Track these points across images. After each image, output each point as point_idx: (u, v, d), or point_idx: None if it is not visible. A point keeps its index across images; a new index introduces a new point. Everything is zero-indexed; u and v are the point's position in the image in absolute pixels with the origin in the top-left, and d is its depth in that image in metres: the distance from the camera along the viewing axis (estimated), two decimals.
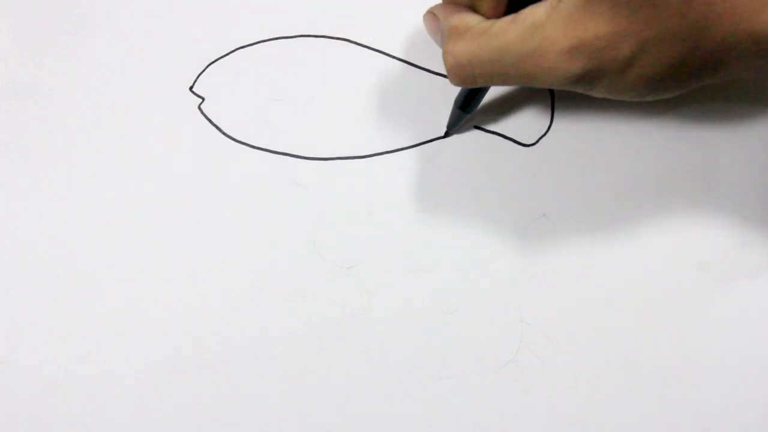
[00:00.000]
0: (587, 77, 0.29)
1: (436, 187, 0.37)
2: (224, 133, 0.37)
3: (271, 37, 0.38)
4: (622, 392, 0.36)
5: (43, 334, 0.36)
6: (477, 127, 0.37)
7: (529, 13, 0.29)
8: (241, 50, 0.38)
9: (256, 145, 0.37)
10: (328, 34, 0.38)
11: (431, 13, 0.33)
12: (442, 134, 0.37)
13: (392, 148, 0.37)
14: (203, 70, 0.38)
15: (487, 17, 0.31)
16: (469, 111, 0.36)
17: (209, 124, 0.37)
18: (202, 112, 0.38)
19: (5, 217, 0.37)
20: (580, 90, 0.31)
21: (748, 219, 0.36)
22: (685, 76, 0.30)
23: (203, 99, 0.38)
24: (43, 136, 0.37)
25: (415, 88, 0.38)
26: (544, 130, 0.37)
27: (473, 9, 0.32)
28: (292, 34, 0.38)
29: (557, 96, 0.38)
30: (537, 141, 0.37)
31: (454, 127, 0.37)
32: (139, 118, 0.37)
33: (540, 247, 0.36)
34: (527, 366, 0.36)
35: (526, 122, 0.37)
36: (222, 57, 0.38)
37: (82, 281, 0.36)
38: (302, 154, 0.37)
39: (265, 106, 0.37)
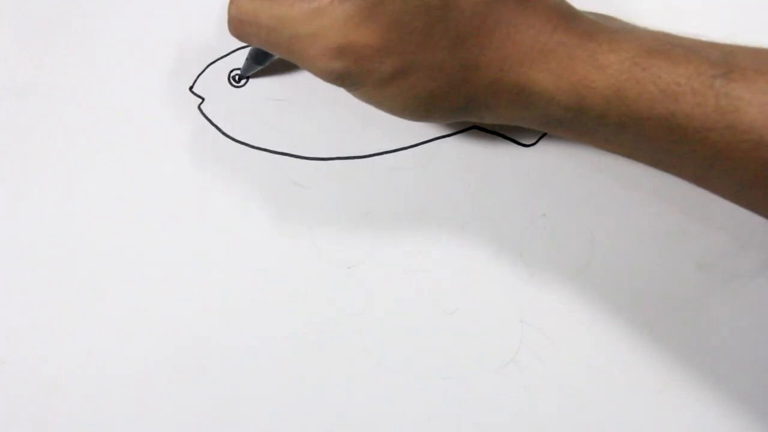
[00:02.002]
0: (346, 79, 0.30)
1: (436, 187, 0.37)
2: (224, 133, 0.37)
3: None
4: (622, 392, 0.36)
5: (43, 334, 0.36)
6: (477, 127, 0.37)
7: None
8: (241, 50, 0.38)
9: (256, 145, 0.37)
10: None
11: None
12: (238, 81, 0.37)
13: (392, 148, 0.37)
14: (203, 70, 0.38)
15: None
16: (261, 63, 0.36)
17: (209, 124, 0.37)
18: (202, 112, 0.38)
19: (5, 217, 0.37)
20: (340, 86, 0.31)
21: (748, 219, 0.36)
22: (447, 110, 0.31)
23: (203, 99, 0.38)
24: (43, 136, 0.37)
25: None
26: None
27: None
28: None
29: None
30: (537, 141, 0.37)
31: (247, 73, 0.37)
32: (139, 118, 0.37)
33: (540, 247, 0.36)
34: (527, 366, 0.36)
35: None
36: (222, 57, 0.38)
37: (82, 281, 0.36)
38: (302, 154, 0.37)
39: (265, 106, 0.37)
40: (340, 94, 0.37)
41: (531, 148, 0.37)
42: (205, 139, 0.37)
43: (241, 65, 0.37)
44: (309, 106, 0.37)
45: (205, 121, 0.37)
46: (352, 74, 0.30)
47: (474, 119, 0.32)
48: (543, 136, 0.37)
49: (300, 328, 0.36)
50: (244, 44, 0.38)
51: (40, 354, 0.36)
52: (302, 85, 0.38)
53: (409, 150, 0.37)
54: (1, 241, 0.37)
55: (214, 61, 0.38)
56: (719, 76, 0.27)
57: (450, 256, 0.36)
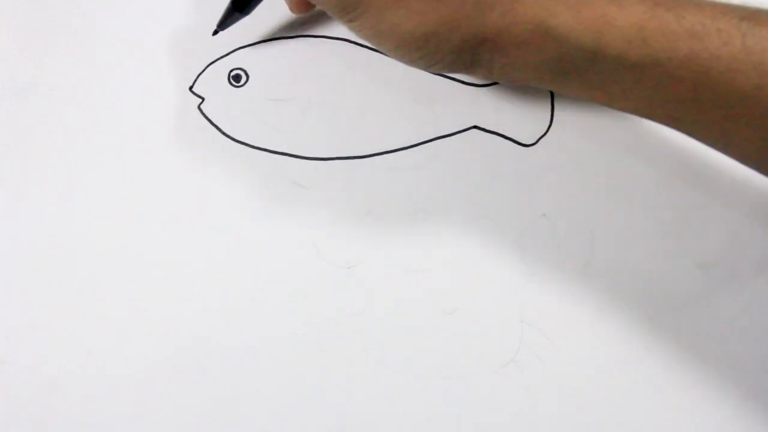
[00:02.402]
0: (349, 6, 0.29)
1: (436, 187, 0.37)
2: (224, 133, 0.37)
3: (271, 37, 0.38)
4: (622, 392, 0.36)
5: (43, 334, 0.36)
6: (477, 127, 0.37)
7: None
8: (241, 50, 0.38)
9: (256, 145, 0.37)
10: (328, 35, 0.38)
11: None
12: (215, 33, 0.37)
13: (392, 148, 0.37)
14: (203, 70, 0.38)
15: None
16: (244, 12, 0.35)
17: (209, 124, 0.37)
18: (202, 112, 0.38)
19: (5, 217, 0.37)
20: (341, 19, 0.30)
21: (748, 219, 0.36)
22: (454, 46, 0.29)
23: (203, 99, 0.38)
24: (43, 136, 0.37)
25: (415, 88, 0.38)
26: (544, 130, 0.37)
27: None
28: (292, 35, 0.38)
29: (557, 96, 0.37)
30: (537, 141, 0.37)
31: (223, 26, 0.36)
32: (139, 118, 0.37)
33: (540, 247, 0.36)
34: (527, 366, 0.36)
35: (526, 122, 0.37)
36: (222, 57, 0.38)
37: (82, 281, 0.36)
38: (302, 154, 0.37)
39: (265, 106, 0.37)
40: (340, 94, 0.37)
41: (531, 148, 0.37)
42: (205, 139, 0.37)
43: (240, 65, 0.37)
44: (309, 106, 0.37)
45: (205, 121, 0.37)
46: (356, 1, 0.29)
47: (481, 68, 0.30)
48: (543, 136, 0.37)
49: (300, 328, 0.36)
50: (243, 44, 0.38)
51: (40, 354, 0.36)
52: (302, 85, 0.38)
53: (409, 150, 0.37)
54: (1, 241, 0.37)
55: (214, 61, 0.38)
56: (746, 18, 0.26)
57: (450, 256, 0.36)
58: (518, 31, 0.29)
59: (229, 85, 0.38)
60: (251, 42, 0.38)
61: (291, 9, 0.35)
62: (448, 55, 0.30)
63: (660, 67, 0.28)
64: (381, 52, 0.38)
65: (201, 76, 0.38)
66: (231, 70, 0.38)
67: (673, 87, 0.28)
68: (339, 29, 0.38)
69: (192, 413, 0.36)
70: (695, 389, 0.36)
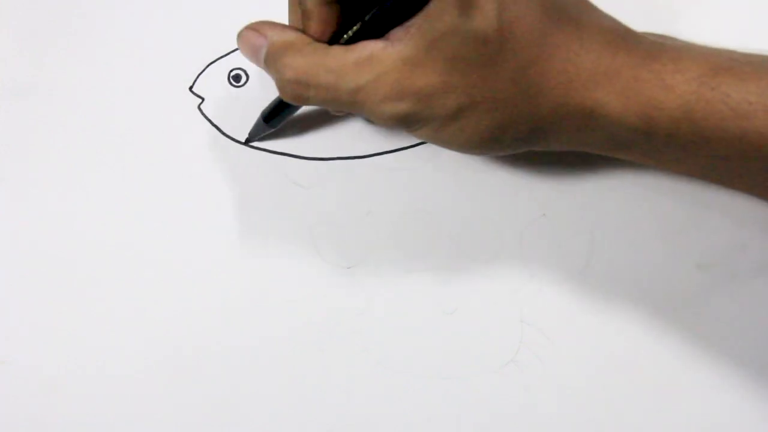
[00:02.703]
0: (411, 120, 0.30)
1: (436, 187, 0.37)
2: (224, 133, 0.37)
3: None
4: (622, 392, 0.36)
5: (42, 334, 0.36)
6: None
7: (365, 46, 0.29)
8: None
9: (256, 145, 0.37)
10: None
11: (252, 30, 0.32)
12: (246, 143, 0.37)
13: (392, 148, 0.37)
14: (203, 70, 0.38)
15: (314, 39, 0.30)
16: (273, 125, 0.36)
17: (209, 124, 0.37)
18: (202, 112, 0.38)
19: (5, 217, 0.37)
20: (403, 130, 0.31)
21: (748, 219, 0.36)
22: (513, 140, 0.31)
23: (203, 99, 0.38)
24: (43, 136, 0.37)
25: None
26: None
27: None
28: None
29: None
30: None
31: (255, 137, 0.37)
32: (139, 118, 0.37)
33: (540, 247, 0.36)
34: (527, 366, 0.36)
35: None
36: (222, 57, 0.38)
37: (82, 281, 0.36)
38: (302, 154, 0.37)
39: (265, 106, 0.37)
40: None
41: None
42: (205, 139, 0.37)
43: (240, 65, 0.37)
44: (309, 107, 0.37)
45: (205, 121, 0.37)
46: (416, 114, 0.29)
47: (538, 147, 0.32)
48: None
49: (300, 328, 0.36)
50: None
51: (40, 354, 0.36)
52: None
53: (409, 150, 0.37)
54: (1, 241, 0.37)
55: (214, 61, 0.38)
56: None
57: (450, 256, 0.36)
58: (570, 119, 0.30)
59: (229, 85, 0.38)
60: None
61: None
62: (505, 149, 0.32)
63: (709, 144, 0.29)
64: None
65: (201, 76, 0.38)
66: (231, 70, 0.38)
67: (724, 161, 0.29)
68: None
69: (192, 413, 0.36)
70: (695, 389, 0.36)
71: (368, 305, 0.36)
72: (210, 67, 0.38)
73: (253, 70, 0.38)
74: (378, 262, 0.36)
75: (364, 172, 0.37)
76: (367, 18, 0.29)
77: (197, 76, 0.38)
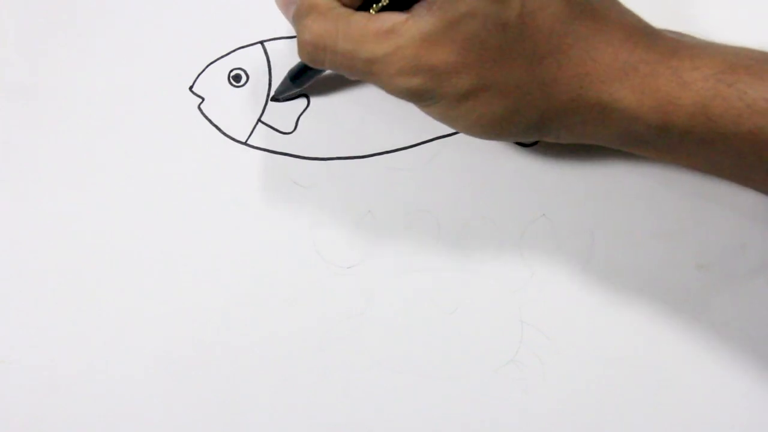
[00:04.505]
0: (423, 95, 0.30)
1: (436, 187, 0.37)
2: (224, 133, 0.37)
3: (271, 38, 0.38)
4: (622, 392, 0.36)
5: (43, 334, 0.36)
6: None
7: (388, 18, 0.29)
8: (241, 50, 0.38)
9: (256, 145, 0.37)
10: None
11: None
12: (274, 99, 0.37)
13: (392, 148, 0.37)
14: (203, 70, 0.38)
15: (343, 3, 0.31)
16: (298, 84, 0.36)
17: (209, 124, 0.37)
18: (202, 112, 0.38)
19: (5, 217, 0.37)
20: (415, 103, 0.31)
21: (748, 219, 0.36)
22: (522, 127, 0.31)
23: (203, 99, 0.38)
24: (43, 136, 0.37)
25: None
26: None
27: None
28: (292, 35, 0.38)
29: None
30: (537, 141, 0.37)
31: (280, 95, 0.37)
32: (139, 118, 0.37)
33: (540, 247, 0.36)
34: (527, 366, 0.36)
35: None
36: (222, 57, 0.38)
37: (83, 281, 0.36)
38: (302, 154, 0.37)
39: (265, 106, 0.37)
40: (340, 94, 0.37)
41: (531, 148, 0.37)
42: (205, 139, 0.37)
43: (240, 65, 0.37)
44: (309, 107, 0.37)
45: (205, 121, 0.37)
46: (429, 91, 0.29)
47: (549, 138, 0.32)
48: None
49: (300, 328, 0.36)
50: (243, 44, 0.38)
51: (40, 354, 0.36)
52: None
53: (409, 150, 0.37)
54: (1, 241, 0.37)
55: (214, 61, 0.38)
56: None
57: (450, 256, 0.36)
58: (584, 112, 0.30)
59: (229, 85, 0.38)
60: (251, 42, 0.38)
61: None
62: (513, 136, 0.32)
63: (726, 141, 0.29)
64: None
65: (201, 76, 0.38)
66: (231, 70, 0.38)
67: (739, 157, 0.29)
68: None
69: (192, 413, 0.36)
70: (694, 389, 0.36)
71: (368, 305, 0.36)
72: (210, 67, 0.38)
73: (253, 70, 0.38)
74: (378, 262, 0.36)
75: (364, 172, 0.37)
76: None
77: (197, 76, 0.38)
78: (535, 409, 0.36)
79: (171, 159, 0.37)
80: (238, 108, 0.37)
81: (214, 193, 0.37)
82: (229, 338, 0.36)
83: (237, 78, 0.38)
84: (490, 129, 0.31)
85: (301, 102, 0.37)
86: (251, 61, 0.38)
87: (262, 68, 0.38)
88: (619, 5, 0.31)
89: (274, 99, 0.37)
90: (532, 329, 0.36)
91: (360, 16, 0.30)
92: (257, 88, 0.38)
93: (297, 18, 0.31)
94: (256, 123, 0.37)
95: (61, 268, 0.37)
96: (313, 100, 0.37)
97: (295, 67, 0.35)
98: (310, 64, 0.31)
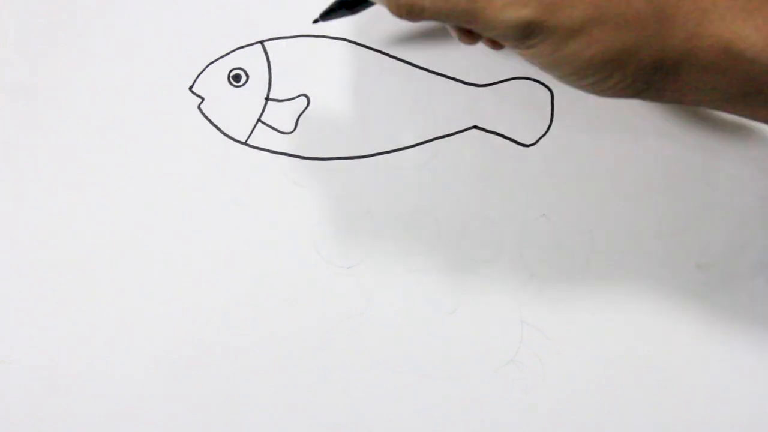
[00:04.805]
0: (532, 30, 0.27)
1: (436, 187, 0.37)
2: (224, 133, 0.37)
3: (271, 37, 0.38)
4: (622, 392, 0.36)
5: (43, 333, 0.36)
6: (477, 127, 0.37)
7: None
8: (241, 50, 0.38)
9: (257, 145, 0.37)
10: (328, 34, 0.38)
11: None
12: (317, 20, 0.34)
13: (392, 148, 0.37)
14: (203, 70, 0.38)
15: None
16: (355, 11, 0.33)
17: (209, 124, 0.37)
18: (202, 112, 0.38)
19: (5, 217, 0.37)
20: (520, 45, 0.28)
21: (747, 219, 0.36)
22: (635, 70, 0.28)
23: (203, 99, 0.38)
24: (44, 136, 0.37)
25: (415, 88, 0.38)
26: (544, 130, 0.37)
27: None
28: (292, 34, 0.38)
29: (557, 96, 0.37)
30: (537, 141, 0.37)
31: (327, 16, 0.34)
32: (139, 118, 0.37)
33: (540, 247, 0.36)
34: (527, 366, 0.36)
35: (526, 122, 0.37)
36: (222, 57, 0.38)
37: (83, 281, 0.36)
38: (302, 154, 0.37)
39: (265, 106, 0.37)
40: (340, 94, 0.37)
41: (531, 148, 0.37)
42: (205, 139, 0.37)
43: (240, 65, 0.37)
44: (309, 106, 0.37)
45: (205, 121, 0.37)
46: (540, 24, 0.27)
47: (654, 95, 0.29)
48: (543, 136, 0.37)
49: (300, 328, 0.36)
50: (243, 44, 0.38)
51: (40, 354, 0.36)
52: (302, 85, 0.38)
53: (409, 150, 0.37)
54: (1, 241, 0.37)
55: (214, 61, 0.38)
56: None
57: (450, 256, 0.36)
58: (703, 54, 0.28)
59: (229, 85, 0.38)
60: (251, 42, 0.38)
61: (461, 41, 0.33)
62: (621, 82, 0.29)
63: None
64: (381, 52, 0.38)
65: (201, 75, 0.38)
66: (231, 70, 0.38)
67: None
68: (339, 29, 0.38)
69: (192, 413, 0.36)
70: (694, 389, 0.36)
71: (368, 305, 0.36)
72: (210, 67, 0.38)
73: (253, 70, 0.38)
74: (378, 262, 0.36)
75: (364, 172, 0.37)
76: None
77: (197, 76, 0.38)
78: (535, 409, 0.36)
79: (171, 159, 0.37)
80: (238, 108, 0.37)
81: (214, 193, 0.37)
82: (229, 338, 0.36)
83: (237, 78, 0.38)
84: (601, 71, 0.28)
85: (301, 102, 0.37)
86: (251, 61, 0.38)
87: (262, 68, 0.38)
88: None
89: (318, 20, 0.34)
90: (532, 329, 0.36)
91: None
92: (257, 88, 0.38)
93: None
94: (256, 123, 0.37)
95: (61, 268, 0.37)
96: (313, 100, 0.37)
97: None
98: (408, 18, 0.29)
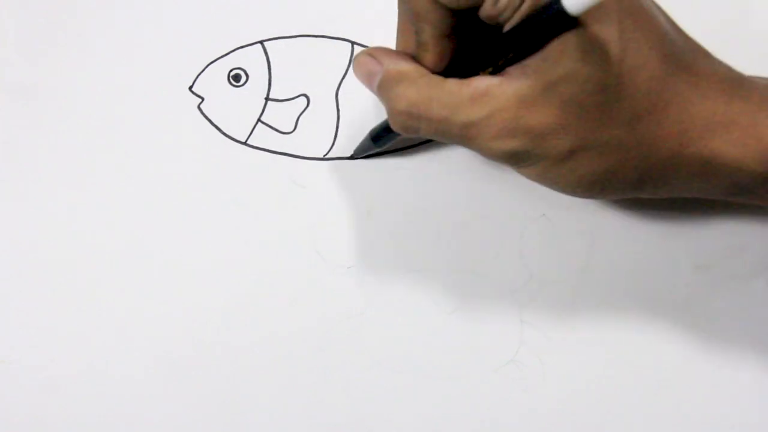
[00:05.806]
0: (521, 158, 0.29)
1: (436, 187, 0.37)
2: (224, 133, 0.37)
3: (271, 37, 0.38)
4: (622, 392, 0.36)
5: (43, 334, 0.36)
6: None
7: (481, 81, 0.28)
8: (241, 50, 0.38)
9: (256, 145, 0.37)
10: (328, 34, 0.38)
11: (369, 55, 0.31)
12: (351, 157, 0.37)
13: (392, 148, 0.37)
14: (203, 70, 0.38)
15: (429, 70, 0.30)
16: (379, 145, 0.35)
17: (209, 124, 0.37)
18: (202, 112, 0.38)
19: (5, 217, 0.37)
20: (511, 166, 0.30)
21: (747, 219, 0.36)
22: (622, 186, 0.30)
23: (203, 99, 0.38)
24: (43, 136, 0.37)
25: None
26: None
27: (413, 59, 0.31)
28: (292, 34, 0.38)
29: None
30: None
31: (360, 154, 0.37)
32: (139, 117, 0.37)
33: (540, 247, 0.36)
34: (527, 366, 0.36)
35: None
36: (222, 57, 0.38)
37: (83, 281, 0.36)
38: (302, 154, 0.37)
39: (265, 106, 0.37)
40: (340, 94, 0.37)
41: None
42: (205, 139, 0.37)
43: (240, 65, 0.37)
44: (309, 106, 0.37)
45: (205, 120, 0.37)
46: (528, 153, 0.29)
47: (647, 194, 0.31)
48: None
49: (300, 328, 0.36)
50: (243, 44, 0.38)
51: (40, 354, 0.36)
52: (302, 85, 0.38)
53: (409, 150, 0.37)
54: (1, 241, 0.37)
55: (214, 61, 0.38)
56: None
57: (450, 256, 0.36)
58: (685, 169, 0.30)
59: (229, 85, 0.38)
60: (251, 42, 0.38)
61: None
62: (612, 194, 0.31)
63: None
64: None
65: (201, 75, 0.38)
66: (231, 70, 0.38)
67: None
68: (339, 29, 0.38)
69: (192, 413, 0.36)
70: (694, 389, 0.36)
71: (368, 305, 0.36)
72: (210, 67, 0.38)
73: (253, 70, 0.38)
74: (378, 262, 0.36)
75: (364, 172, 0.37)
76: (501, 63, 0.28)
77: (197, 76, 0.38)
78: (535, 409, 0.36)
79: (171, 159, 0.37)
80: (238, 108, 0.37)
81: (214, 193, 0.37)
82: (229, 338, 0.36)
83: (237, 78, 0.38)
84: (591, 188, 0.30)
85: (301, 102, 0.37)
86: (251, 61, 0.38)
87: (261, 68, 0.38)
88: (711, 57, 0.31)
89: (352, 157, 0.37)
90: (532, 329, 0.36)
91: (452, 82, 0.29)
92: (257, 87, 0.38)
93: (385, 88, 0.30)
94: (256, 123, 0.37)
95: (61, 268, 0.37)
96: (313, 100, 0.37)
97: (378, 127, 0.35)
98: (404, 133, 0.31)
